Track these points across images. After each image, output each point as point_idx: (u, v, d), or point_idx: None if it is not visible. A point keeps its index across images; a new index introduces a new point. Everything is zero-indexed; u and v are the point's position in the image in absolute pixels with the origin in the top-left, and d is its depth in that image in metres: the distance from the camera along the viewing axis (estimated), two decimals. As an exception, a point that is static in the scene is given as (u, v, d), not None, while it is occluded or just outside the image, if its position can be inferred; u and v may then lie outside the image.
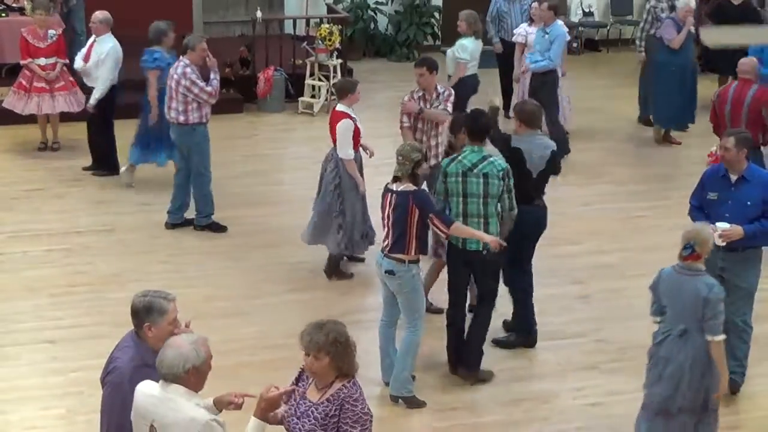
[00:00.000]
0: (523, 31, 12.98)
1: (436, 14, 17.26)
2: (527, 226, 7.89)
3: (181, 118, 9.88)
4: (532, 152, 7.91)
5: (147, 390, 4.75)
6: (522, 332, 8.25)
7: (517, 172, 7.70)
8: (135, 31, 15.37)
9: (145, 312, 4.99)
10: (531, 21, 13.03)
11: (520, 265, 8.10)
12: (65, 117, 12.11)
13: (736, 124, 9.70)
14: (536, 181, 7.98)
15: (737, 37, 8.10)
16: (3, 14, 13.73)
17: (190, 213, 10.33)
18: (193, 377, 4.64)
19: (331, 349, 4.75)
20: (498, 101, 9.24)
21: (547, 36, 12.15)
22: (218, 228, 10.22)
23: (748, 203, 7.24)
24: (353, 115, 8.99)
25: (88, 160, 11.71)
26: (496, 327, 8.17)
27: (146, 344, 5.01)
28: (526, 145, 7.93)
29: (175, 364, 4.61)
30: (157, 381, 4.77)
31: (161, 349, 4.71)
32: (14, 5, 13.87)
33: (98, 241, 9.91)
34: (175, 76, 9.82)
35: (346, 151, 8.94)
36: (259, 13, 14.63)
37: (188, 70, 9.79)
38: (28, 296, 8.80)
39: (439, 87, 9.44)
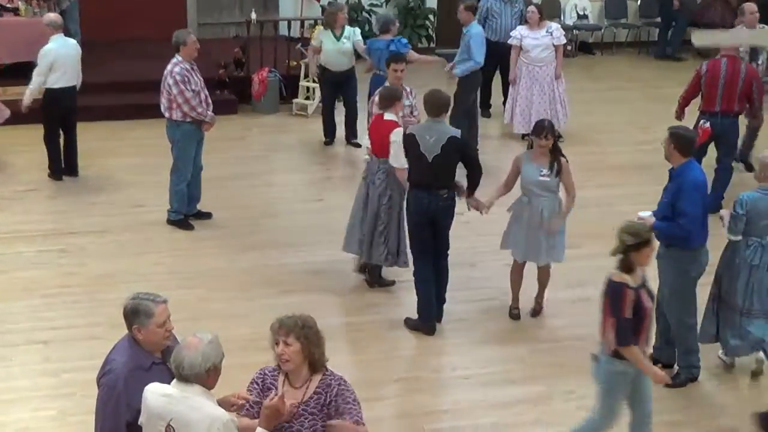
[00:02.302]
0: (518, 34, 12.99)
1: (431, 17, 17.27)
2: (426, 213, 8.18)
3: (166, 114, 9.97)
4: (427, 136, 8.16)
5: (160, 390, 4.77)
6: (422, 319, 8.43)
7: (412, 156, 8.22)
8: (129, 34, 15.48)
9: (131, 314, 5.02)
10: (527, 23, 13.05)
11: (435, 255, 8.34)
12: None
13: (731, 98, 10.60)
14: (433, 166, 8.09)
15: (726, 38, 8.33)
16: (-2, 15, 13.72)
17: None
18: (212, 375, 4.72)
19: (301, 333, 4.84)
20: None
21: (465, 38, 12.24)
22: (186, 226, 10.23)
23: (664, 200, 7.45)
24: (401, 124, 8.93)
25: (87, 161, 11.69)
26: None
27: (141, 347, 5.03)
28: (421, 129, 8.26)
29: (197, 363, 4.67)
30: (155, 381, 4.81)
31: (176, 351, 4.74)
32: (8, 5, 13.85)
33: (92, 242, 9.89)
34: (165, 72, 9.87)
35: (400, 160, 8.64)
36: (253, 15, 14.62)
37: (177, 69, 9.80)
38: (21, 297, 8.78)
39: (405, 85, 9.54)
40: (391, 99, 8.77)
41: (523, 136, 13.35)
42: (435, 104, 8.25)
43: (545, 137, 8.19)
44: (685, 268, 7.46)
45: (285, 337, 4.83)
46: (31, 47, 12.30)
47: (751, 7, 11.73)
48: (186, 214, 10.36)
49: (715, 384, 7.85)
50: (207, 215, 10.49)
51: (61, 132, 11.36)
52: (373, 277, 9.19)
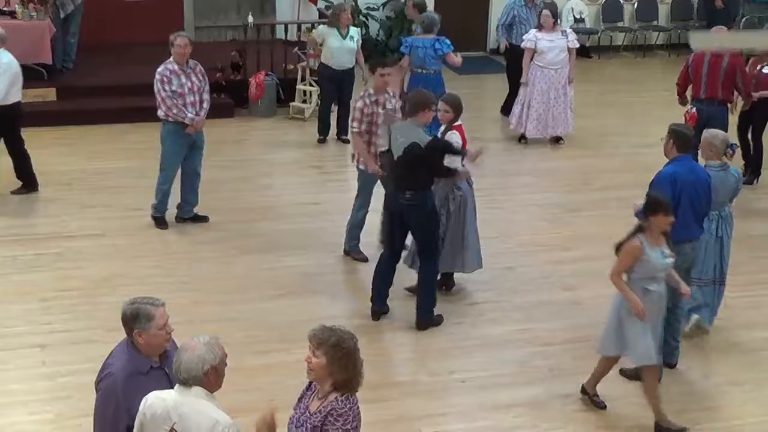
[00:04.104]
0: (533, 37, 12.97)
1: (428, 20, 17.25)
2: (390, 208, 8.45)
3: (157, 112, 10.03)
4: (398, 135, 8.25)
5: (163, 395, 4.77)
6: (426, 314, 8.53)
7: (389, 151, 8.40)
8: (126, 37, 15.49)
9: (132, 319, 5.01)
10: (540, 27, 13.02)
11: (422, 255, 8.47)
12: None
13: (715, 85, 11.20)
14: (397, 166, 8.23)
15: (726, 41, 8.38)
16: (-6, 18, 13.72)
17: (204, 210, 10.47)
18: (212, 377, 4.70)
19: (329, 351, 4.76)
20: None
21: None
22: (161, 224, 10.27)
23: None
24: None
25: (84, 164, 11.67)
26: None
27: (140, 352, 5.02)
28: (397, 128, 8.36)
29: (194, 366, 4.66)
30: (154, 388, 4.82)
31: (176, 354, 4.74)
32: (5, 9, 13.87)
33: (88, 246, 9.88)
34: (156, 71, 10.01)
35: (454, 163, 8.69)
36: (250, 18, 14.62)
37: (160, 69, 9.93)
38: (18, 300, 8.77)
39: (387, 89, 9.46)
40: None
41: (520, 138, 13.37)
42: (409, 105, 8.30)
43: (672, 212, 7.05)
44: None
45: (315, 348, 4.78)
46: (28, 51, 12.32)
47: None
48: (183, 217, 10.40)
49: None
50: (204, 219, 10.49)
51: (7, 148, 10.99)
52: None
